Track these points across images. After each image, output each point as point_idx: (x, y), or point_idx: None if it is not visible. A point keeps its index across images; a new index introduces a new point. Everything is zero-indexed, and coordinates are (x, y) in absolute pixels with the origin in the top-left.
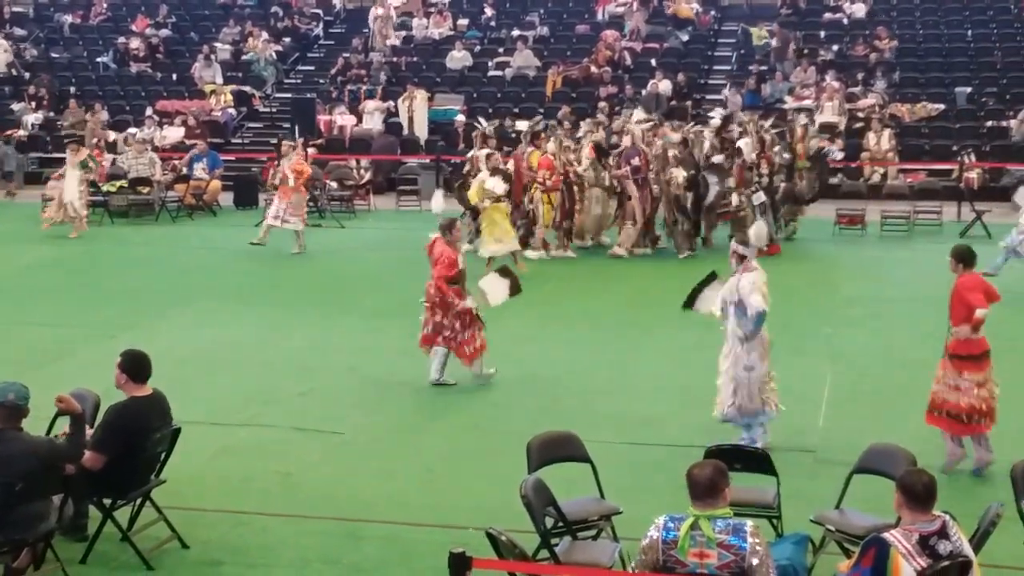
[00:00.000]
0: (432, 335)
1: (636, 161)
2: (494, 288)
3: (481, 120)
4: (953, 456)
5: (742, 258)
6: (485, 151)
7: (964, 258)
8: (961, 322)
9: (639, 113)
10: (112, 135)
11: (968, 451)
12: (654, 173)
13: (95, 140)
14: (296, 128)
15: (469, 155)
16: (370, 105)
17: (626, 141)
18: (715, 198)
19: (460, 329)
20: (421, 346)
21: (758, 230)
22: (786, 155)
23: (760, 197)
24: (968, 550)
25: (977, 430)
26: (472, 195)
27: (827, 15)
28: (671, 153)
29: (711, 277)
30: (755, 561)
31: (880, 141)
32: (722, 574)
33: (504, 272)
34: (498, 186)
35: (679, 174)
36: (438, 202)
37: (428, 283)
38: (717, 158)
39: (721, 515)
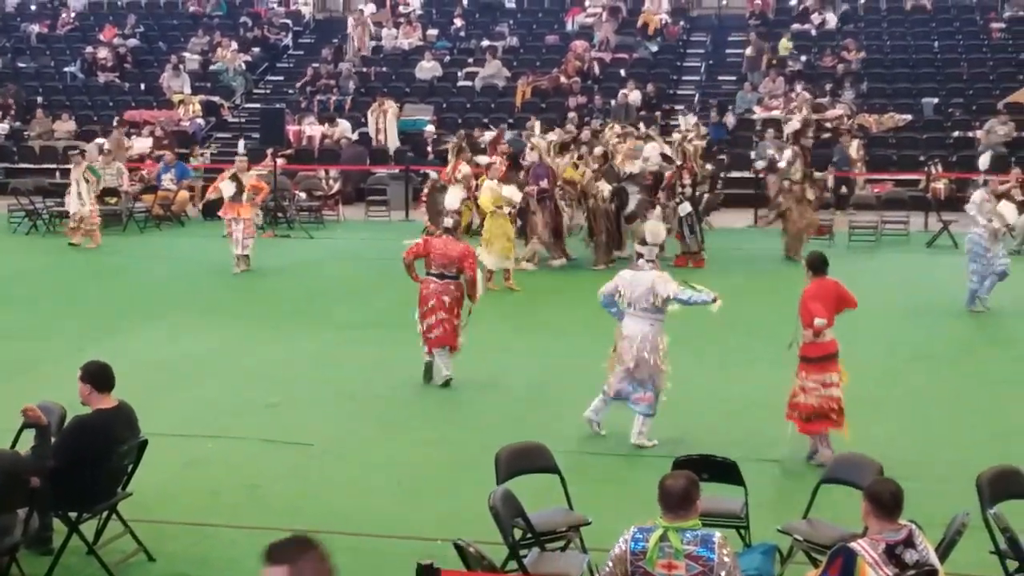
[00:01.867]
0: (452, 334)
1: (544, 183)
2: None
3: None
4: (824, 457)
5: (640, 256)
6: (487, 160)
7: (813, 266)
8: (808, 326)
9: (537, 127)
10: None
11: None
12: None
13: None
14: (261, 138)
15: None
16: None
17: (531, 156)
18: (636, 207)
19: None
20: (436, 347)
21: (653, 228)
22: (709, 166)
23: (686, 208)
24: (934, 559)
25: (820, 427)
26: (485, 202)
27: (795, 26)
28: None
29: None
30: (723, 573)
31: (848, 152)
32: None
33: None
34: (515, 195)
35: (604, 187)
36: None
37: (436, 287)
38: (636, 167)
39: (690, 527)
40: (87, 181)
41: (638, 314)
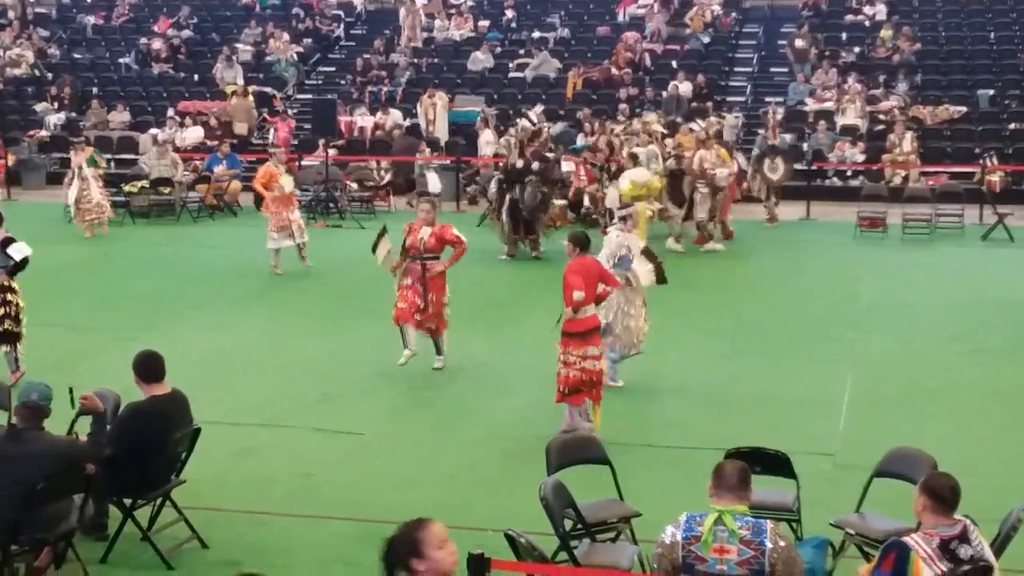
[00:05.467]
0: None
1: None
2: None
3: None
4: (577, 426)
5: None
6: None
7: (578, 242)
8: (569, 303)
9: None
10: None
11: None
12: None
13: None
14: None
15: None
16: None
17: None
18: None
19: None
20: (442, 331)
21: (611, 193)
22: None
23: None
24: (989, 555)
25: (576, 400)
26: (628, 192)
27: (849, 17)
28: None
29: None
30: (775, 557)
31: (902, 144)
32: (741, 571)
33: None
34: (654, 179)
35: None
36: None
37: (437, 268)
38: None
39: (743, 512)
40: (93, 164)
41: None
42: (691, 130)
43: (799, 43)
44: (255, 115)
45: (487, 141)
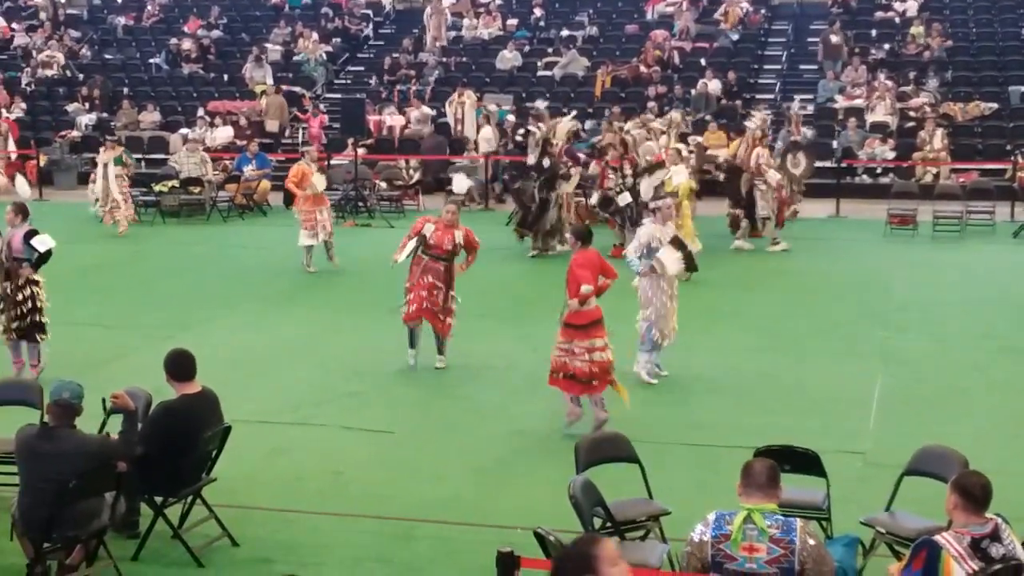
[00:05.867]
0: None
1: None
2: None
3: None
4: (572, 415)
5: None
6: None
7: (581, 236)
8: (574, 295)
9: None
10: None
11: (588, 412)
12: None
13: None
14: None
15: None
16: (415, 114)
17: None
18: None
19: None
20: (448, 331)
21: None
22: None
23: (625, 198)
24: (1021, 553)
25: (591, 391)
26: (683, 190)
27: (879, 14)
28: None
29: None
30: (805, 554)
31: (932, 140)
32: (770, 569)
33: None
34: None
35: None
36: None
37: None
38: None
39: (772, 510)
40: (120, 163)
41: None
42: (720, 127)
43: (833, 39)
44: (288, 112)
45: (485, 138)
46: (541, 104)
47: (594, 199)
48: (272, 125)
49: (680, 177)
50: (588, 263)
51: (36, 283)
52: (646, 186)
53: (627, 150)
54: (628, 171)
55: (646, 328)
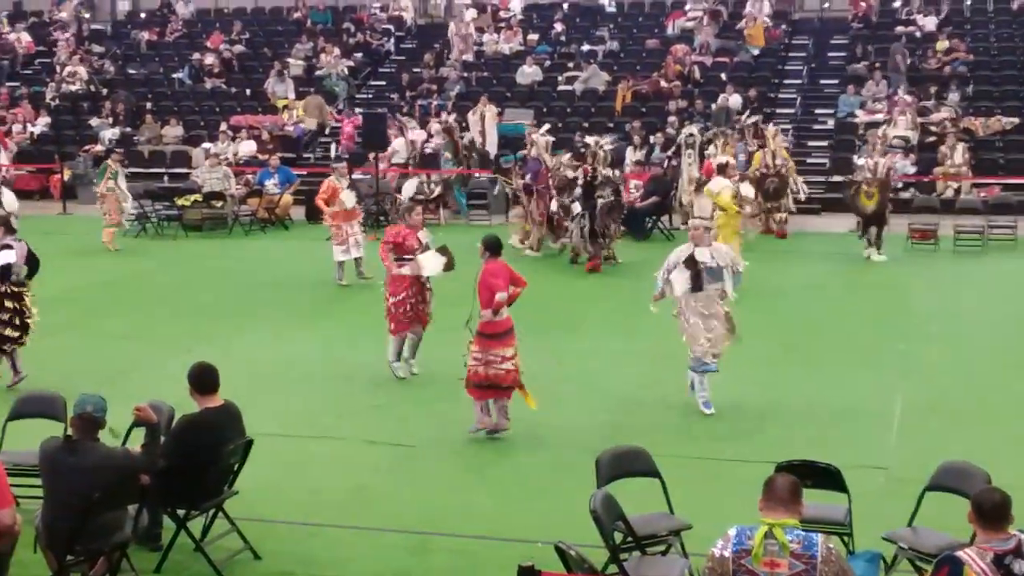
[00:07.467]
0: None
1: (528, 179)
2: (430, 262)
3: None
4: (483, 424)
5: (708, 230)
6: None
7: (491, 246)
8: (486, 305)
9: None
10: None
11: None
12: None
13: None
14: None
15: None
16: (435, 126)
17: (531, 152)
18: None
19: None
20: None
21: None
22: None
23: (576, 208)
24: None
25: (500, 395)
26: (728, 202)
27: (899, 28)
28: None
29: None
30: (826, 569)
31: (954, 155)
32: None
33: (443, 250)
34: (750, 191)
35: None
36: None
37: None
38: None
39: (793, 525)
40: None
41: None
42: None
43: (899, 59)
44: (327, 111)
45: (397, 149)
46: (672, 124)
47: (554, 205)
48: (310, 123)
49: (727, 192)
50: (499, 272)
51: (13, 296)
52: (700, 204)
53: (591, 160)
54: (580, 182)
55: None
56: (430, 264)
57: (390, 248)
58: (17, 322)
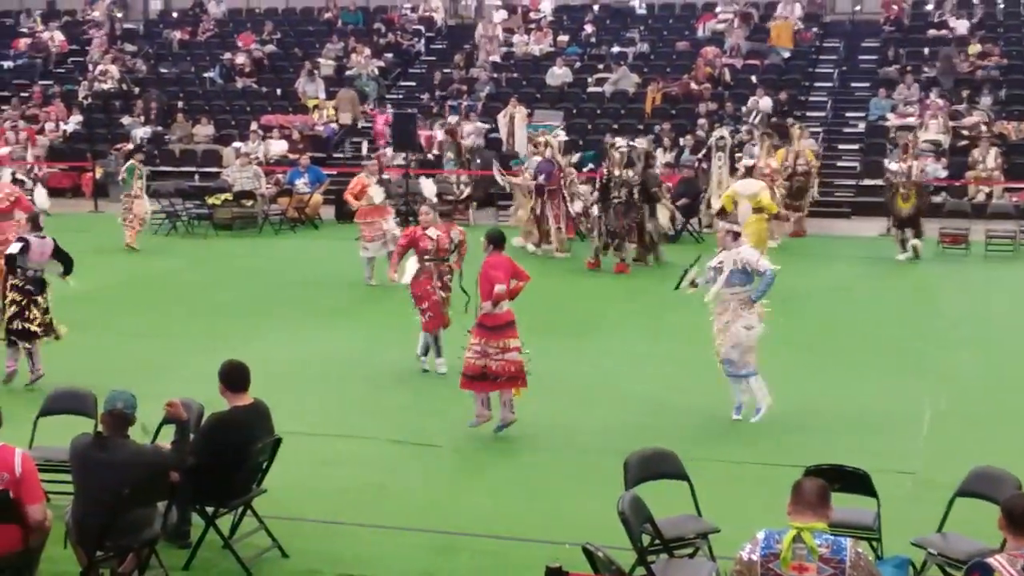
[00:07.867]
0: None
1: (541, 179)
2: (410, 269)
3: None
4: (481, 417)
5: (737, 235)
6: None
7: (494, 240)
8: (487, 297)
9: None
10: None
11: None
12: None
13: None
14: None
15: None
16: (467, 127)
17: (546, 154)
18: None
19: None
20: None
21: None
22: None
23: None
24: None
25: (501, 387)
26: (770, 202)
27: (931, 31)
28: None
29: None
30: (857, 574)
31: (986, 159)
32: None
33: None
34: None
35: None
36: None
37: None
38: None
39: (821, 530)
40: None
41: None
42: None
43: (955, 61)
44: (359, 106)
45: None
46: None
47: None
48: (345, 118)
49: (765, 193)
50: (501, 265)
51: (17, 288)
52: (743, 209)
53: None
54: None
55: None
56: (409, 271)
57: (402, 249)
58: (28, 315)
